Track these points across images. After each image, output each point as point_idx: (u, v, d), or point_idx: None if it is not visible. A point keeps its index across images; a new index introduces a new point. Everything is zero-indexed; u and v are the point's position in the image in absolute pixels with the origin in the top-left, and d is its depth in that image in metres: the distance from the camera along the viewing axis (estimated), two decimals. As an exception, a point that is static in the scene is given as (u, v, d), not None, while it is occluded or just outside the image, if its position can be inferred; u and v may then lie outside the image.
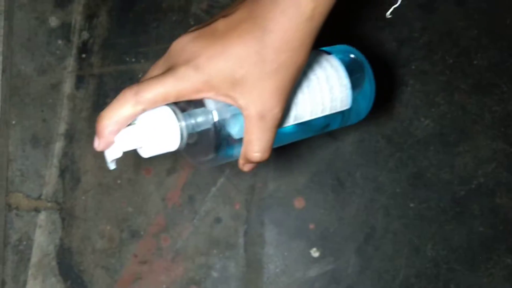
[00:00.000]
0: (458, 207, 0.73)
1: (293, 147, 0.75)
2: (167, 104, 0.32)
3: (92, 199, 0.73)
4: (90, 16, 0.79)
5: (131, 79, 0.76)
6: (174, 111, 0.32)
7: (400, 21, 0.77)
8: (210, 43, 0.30)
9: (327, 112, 0.39)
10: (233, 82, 0.30)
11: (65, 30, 0.78)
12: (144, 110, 0.31)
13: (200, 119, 0.33)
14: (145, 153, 0.33)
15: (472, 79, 0.76)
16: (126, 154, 0.33)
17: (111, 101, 0.30)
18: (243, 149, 0.33)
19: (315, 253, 0.72)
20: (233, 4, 0.32)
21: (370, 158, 0.74)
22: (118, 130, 0.31)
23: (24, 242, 0.72)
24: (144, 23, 0.78)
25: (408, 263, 0.71)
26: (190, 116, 0.33)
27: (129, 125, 0.31)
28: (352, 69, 0.40)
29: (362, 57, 0.42)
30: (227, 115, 0.33)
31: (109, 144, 0.31)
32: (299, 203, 0.73)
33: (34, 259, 0.72)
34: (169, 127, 0.32)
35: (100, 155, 0.74)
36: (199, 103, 0.33)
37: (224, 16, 0.31)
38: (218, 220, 0.73)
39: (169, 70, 0.31)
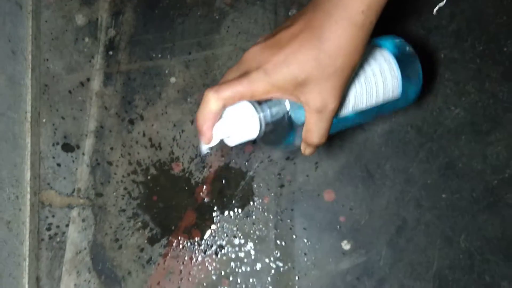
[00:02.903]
0: (491, 196, 0.71)
1: (321, 139, 0.74)
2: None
3: (123, 195, 0.74)
4: (116, 13, 0.79)
5: (158, 74, 0.77)
6: (253, 104, 0.38)
7: (427, 9, 0.76)
8: (275, 51, 0.35)
9: (380, 101, 0.43)
10: (296, 84, 0.35)
11: (91, 28, 0.79)
12: (224, 106, 0.36)
13: (275, 109, 0.39)
14: (231, 142, 0.39)
15: (503, 67, 0.74)
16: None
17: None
18: (303, 136, 0.39)
19: (346, 245, 0.72)
20: (292, 17, 0.37)
21: (399, 149, 0.74)
22: (213, 124, 0.37)
23: (58, 239, 0.73)
24: (169, 19, 0.79)
25: (441, 255, 0.70)
26: (267, 107, 0.39)
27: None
28: (401, 59, 0.43)
29: (410, 47, 0.45)
30: (295, 105, 0.38)
31: (211, 138, 0.38)
32: (328, 195, 0.73)
33: (68, 255, 0.73)
34: (250, 118, 0.38)
35: (129, 152, 0.74)
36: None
37: (286, 28, 0.36)
38: (248, 214, 0.73)
39: (244, 74, 0.36)
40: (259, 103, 0.38)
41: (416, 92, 0.47)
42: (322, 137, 0.39)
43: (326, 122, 0.37)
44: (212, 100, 0.36)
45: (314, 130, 0.38)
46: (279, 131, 0.40)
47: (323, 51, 0.33)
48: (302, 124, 0.39)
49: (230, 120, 0.38)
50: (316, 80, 0.34)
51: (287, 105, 0.38)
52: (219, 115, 0.37)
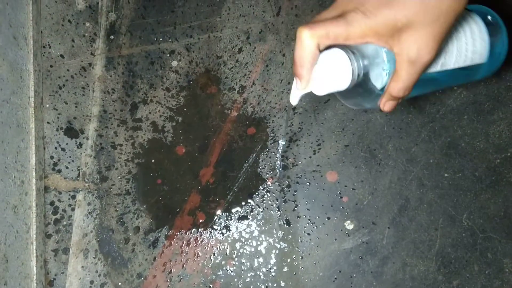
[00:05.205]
0: (493, 175, 0.72)
1: (324, 120, 0.74)
2: (341, 48, 0.36)
3: (128, 179, 0.75)
4: (116, -3, 0.79)
5: (159, 58, 0.77)
6: (346, 52, 0.36)
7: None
8: None
9: (467, 63, 0.42)
10: (394, 29, 0.33)
11: (92, 12, 0.78)
12: (318, 46, 0.34)
13: (367, 61, 0.36)
14: (321, 91, 0.37)
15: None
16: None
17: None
18: (389, 86, 0.37)
19: (349, 225, 0.72)
20: None
21: (402, 129, 0.74)
22: (311, 66, 0.35)
23: (64, 222, 0.74)
24: (169, 2, 0.78)
25: (443, 233, 0.71)
26: (359, 57, 0.36)
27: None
28: (489, 28, 0.43)
29: (498, 19, 0.45)
30: (391, 60, 0.36)
31: (309, 82, 0.36)
32: (331, 176, 0.73)
33: (74, 238, 0.74)
34: (344, 66, 0.36)
35: (133, 136, 0.74)
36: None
37: None
38: (251, 195, 0.73)
39: (340, 15, 0.33)
40: (352, 52, 0.36)
41: (500, 62, 0.46)
42: (407, 90, 0.36)
43: (415, 75, 0.35)
44: (306, 38, 0.33)
45: (401, 81, 0.36)
46: (368, 87, 0.38)
47: None
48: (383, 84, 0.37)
49: (324, 65, 0.35)
50: (416, 27, 0.32)
51: (385, 58, 0.36)
52: (316, 56, 0.34)
